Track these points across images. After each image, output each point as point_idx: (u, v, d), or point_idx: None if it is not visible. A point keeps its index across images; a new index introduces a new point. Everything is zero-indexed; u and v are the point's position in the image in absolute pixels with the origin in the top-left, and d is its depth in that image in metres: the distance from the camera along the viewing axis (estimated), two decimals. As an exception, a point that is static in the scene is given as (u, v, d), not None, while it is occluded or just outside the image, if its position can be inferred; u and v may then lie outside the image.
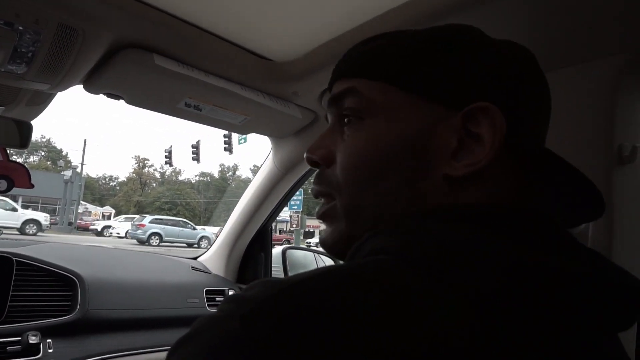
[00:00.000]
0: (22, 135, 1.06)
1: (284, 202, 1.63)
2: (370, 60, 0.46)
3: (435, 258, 0.33)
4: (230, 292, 1.61)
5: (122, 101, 1.10)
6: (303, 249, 2.09)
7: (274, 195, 1.58)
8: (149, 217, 21.30)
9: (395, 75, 0.43)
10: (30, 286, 1.22)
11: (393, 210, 0.42)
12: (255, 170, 52.93)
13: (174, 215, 41.41)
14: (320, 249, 2.29)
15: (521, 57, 0.44)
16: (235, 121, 1.23)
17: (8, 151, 1.19)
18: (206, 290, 1.56)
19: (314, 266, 2.04)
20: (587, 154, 0.76)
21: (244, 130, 1.31)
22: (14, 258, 1.19)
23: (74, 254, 1.42)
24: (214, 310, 1.30)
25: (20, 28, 0.78)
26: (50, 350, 1.14)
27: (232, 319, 0.30)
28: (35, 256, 1.25)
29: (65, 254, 1.39)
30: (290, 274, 1.81)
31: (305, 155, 0.50)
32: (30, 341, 1.10)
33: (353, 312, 0.29)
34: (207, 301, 1.54)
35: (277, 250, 1.81)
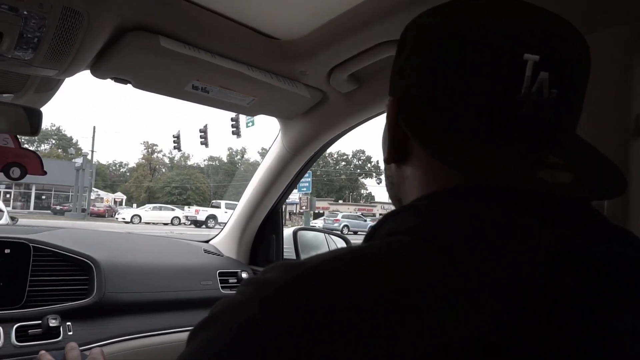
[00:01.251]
0: (32, 123, 1.06)
1: (293, 183, 1.63)
2: None
3: (458, 238, 0.32)
4: (244, 275, 1.63)
5: (129, 86, 1.10)
6: (314, 229, 2.10)
7: (284, 177, 1.58)
8: (340, 214, 23.80)
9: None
10: (47, 271, 1.24)
11: (390, 194, 0.51)
12: (263, 153, 53.00)
13: (184, 199, 41.83)
14: (331, 230, 2.30)
15: (423, 39, 0.42)
16: (243, 103, 1.22)
17: (20, 139, 1.19)
18: (219, 273, 1.58)
19: (324, 247, 2.05)
20: (603, 127, 0.74)
21: (252, 111, 1.30)
22: (30, 244, 1.21)
23: (88, 239, 1.44)
24: (227, 292, 1.31)
25: (25, 13, 0.78)
26: (70, 333, 1.16)
27: (251, 302, 0.30)
28: (51, 242, 1.27)
29: (80, 239, 1.41)
30: (302, 255, 1.83)
31: None
32: (51, 324, 1.12)
33: (372, 297, 0.29)
34: (220, 283, 1.56)
35: (288, 232, 1.82)
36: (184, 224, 25.08)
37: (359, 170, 54.00)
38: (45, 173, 1.19)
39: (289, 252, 1.79)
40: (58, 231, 1.40)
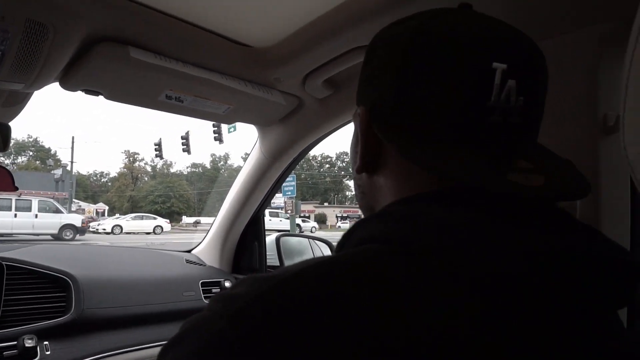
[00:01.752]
0: (1, 138, 1.03)
1: (274, 189, 1.62)
2: None
3: (427, 241, 0.33)
4: (227, 284, 1.61)
5: (102, 97, 1.08)
6: (297, 235, 2.09)
7: (264, 183, 1.57)
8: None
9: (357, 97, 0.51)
10: (22, 290, 1.20)
11: (360, 203, 0.51)
12: (246, 158, 52.99)
13: (168, 207, 41.34)
14: (315, 235, 2.29)
15: (394, 49, 0.42)
16: (219, 111, 1.21)
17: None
18: (202, 283, 1.56)
19: (309, 252, 2.04)
20: (572, 126, 0.76)
21: (228, 120, 1.29)
22: (3, 263, 1.18)
23: (65, 254, 1.41)
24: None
25: (-14, 26, 0.76)
26: (48, 353, 1.13)
27: (220, 318, 0.30)
28: (25, 259, 1.24)
29: (56, 254, 1.38)
30: (286, 261, 1.82)
31: None
32: (27, 345, 1.09)
33: (343, 308, 0.28)
34: (203, 293, 1.54)
35: (270, 238, 1.81)
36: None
37: (343, 172, 54.23)
38: (16, 189, 1.15)
39: (272, 258, 1.78)
40: (33, 247, 1.37)
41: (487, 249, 0.31)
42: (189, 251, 1.83)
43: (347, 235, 0.40)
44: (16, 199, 15.37)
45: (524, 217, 0.35)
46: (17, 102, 1.08)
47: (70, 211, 26.32)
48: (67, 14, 0.79)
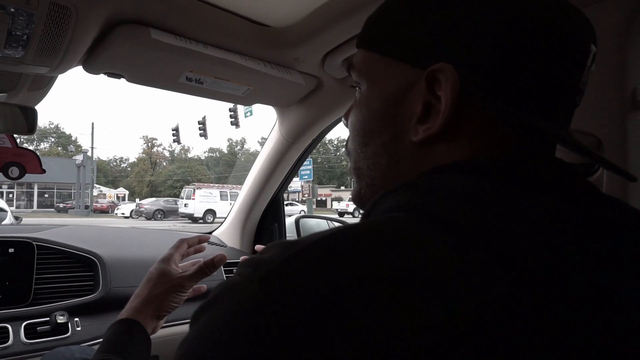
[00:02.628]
0: (28, 121, 1.06)
1: (293, 171, 1.63)
2: (363, 30, 0.47)
3: (459, 213, 0.32)
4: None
5: (124, 81, 1.10)
6: (316, 216, 2.10)
7: (283, 165, 1.57)
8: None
9: (374, 41, 0.45)
10: (52, 269, 1.25)
11: (378, 174, 0.45)
12: (263, 142, 52.98)
13: (186, 192, 41.93)
14: (333, 216, 2.31)
15: (501, 10, 0.38)
16: (238, 92, 1.22)
17: (18, 139, 1.19)
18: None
19: (327, 233, 2.06)
20: (600, 100, 0.74)
21: (247, 101, 1.29)
22: (34, 243, 1.22)
23: (91, 236, 1.45)
24: (232, 280, 1.30)
25: (12, 10, 0.77)
26: (79, 329, 1.18)
27: (250, 282, 0.30)
28: (54, 239, 1.28)
29: (83, 235, 1.41)
30: (306, 242, 1.84)
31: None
32: (59, 320, 1.13)
33: (371, 273, 0.28)
34: (225, 273, 1.57)
35: (290, 220, 1.82)
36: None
37: (360, 156, 54.00)
38: (44, 171, 1.19)
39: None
40: (61, 229, 1.41)
41: (506, 221, 0.31)
42: (210, 233, 1.86)
43: (373, 205, 0.39)
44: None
45: (550, 189, 0.34)
46: (41, 86, 1.10)
47: (91, 196, 26.93)
48: None
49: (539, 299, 0.28)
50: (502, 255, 0.30)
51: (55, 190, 32.03)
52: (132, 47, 0.94)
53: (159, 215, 23.44)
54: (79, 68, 1.04)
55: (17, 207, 28.63)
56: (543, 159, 0.40)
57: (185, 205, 21.76)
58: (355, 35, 1.01)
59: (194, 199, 21.08)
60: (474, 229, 0.31)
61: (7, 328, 1.09)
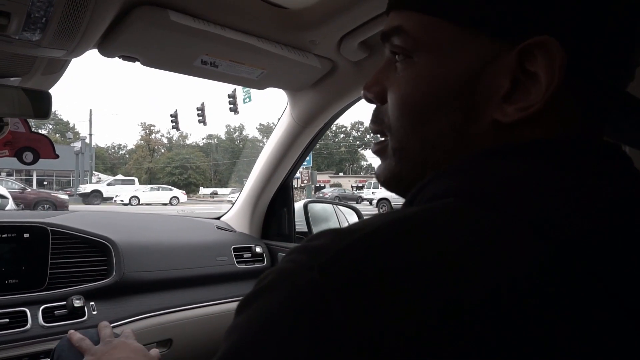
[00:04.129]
0: (43, 106, 1.05)
1: (303, 156, 1.63)
2: None
3: (504, 196, 0.33)
4: (257, 249, 1.64)
5: (126, 66, 1.09)
6: (323, 201, 2.11)
7: (294, 149, 1.57)
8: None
9: (441, 5, 0.39)
10: (67, 253, 1.25)
11: (438, 156, 0.40)
12: (261, 129, 52.81)
13: (185, 179, 41.93)
14: (339, 201, 2.31)
15: None
16: (252, 76, 1.21)
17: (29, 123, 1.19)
18: (234, 248, 1.60)
19: (334, 218, 2.07)
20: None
21: (260, 84, 1.29)
22: (48, 228, 1.22)
23: (103, 221, 1.46)
24: (243, 266, 1.33)
25: (32, -10, 0.76)
26: (94, 312, 1.19)
27: (309, 269, 0.30)
28: (67, 224, 1.28)
29: (95, 221, 1.42)
30: (313, 227, 1.84)
31: (362, 91, 0.48)
32: (75, 304, 1.15)
33: (429, 260, 0.29)
34: (235, 258, 1.58)
35: (298, 205, 1.83)
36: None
37: (358, 142, 53.83)
38: (57, 156, 1.19)
39: (300, 225, 1.80)
40: (73, 214, 1.42)
41: (548, 201, 0.31)
42: (218, 218, 1.87)
43: (419, 191, 0.39)
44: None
45: (595, 171, 0.34)
46: (55, 69, 1.09)
47: (90, 183, 26.87)
48: None
49: (575, 272, 0.29)
50: (540, 232, 0.30)
51: (54, 178, 31.94)
52: (150, 30, 0.93)
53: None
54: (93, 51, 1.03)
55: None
56: (599, 140, 0.39)
57: (372, 192, 22.76)
58: (373, 17, 1.00)
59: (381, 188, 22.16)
60: (514, 208, 0.32)
61: (25, 312, 1.10)
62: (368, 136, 53.89)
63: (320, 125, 1.50)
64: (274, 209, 1.77)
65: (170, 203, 24.94)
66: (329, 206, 2.16)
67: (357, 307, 0.27)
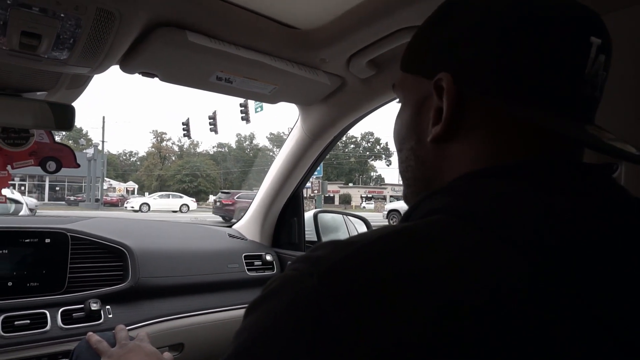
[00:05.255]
0: (66, 118, 1.11)
1: (313, 167, 1.67)
2: (402, 55, 0.53)
3: (488, 213, 0.36)
4: (268, 257, 1.68)
5: (137, 77, 1.14)
6: (332, 211, 2.14)
7: (304, 161, 1.62)
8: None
9: (405, 63, 0.52)
10: (85, 258, 1.31)
11: (410, 175, 0.51)
12: (272, 138, 52.90)
13: (195, 187, 42.15)
14: (349, 212, 2.34)
15: (486, 16, 0.42)
16: (265, 91, 1.26)
17: (53, 134, 1.25)
18: (245, 256, 1.64)
19: (343, 228, 2.10)
20: (630, 102, 0.76)
21: (273, 99, 1.34)
22: (68, 234, 1.28)
23: (120, 227, 1.51)
24: (253, 274, 1.37)
25: (62, 15, 0.81)
26: (110, 316, 1.24)
27: (309, 276, 0.34)
28: (86, 231, 1.33)
29: (112, 227, 1.47)
30: (323, 236, 1.88)
31: None
32: (92, 308, 1.20)
33: (419, 269, 0.32)
34: (246, 266, 1.62)
35: (308, 215, 1.87)
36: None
37: (368, 153, 53.64)
38: (78, 166, 1.24)
39: (310, 234, 1.84)
40: (91, 220, 1.47)
41: (529, 219, 0.34)
42: (230, 226, 1.91)
43: (414, 207, 0.43)
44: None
45: (577, 192, 0.37)
46: (79, 84, 1.15)
47: (102, 189, 27.08)
48: (132, 1, 0.84)
49: (555, 283, 0.32)
50: (521, 248, 0.33)
51: (66, 183, 32.34)
52: (169, 49, 0.99)
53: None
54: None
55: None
56: (565, 159, 0.42)
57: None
58: (380, 37, 1.05)
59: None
60: (497, 225, 0.35)
61: (45, 314, 1.15)
62: (378, 147, 53.80)
63: (330, 139, 1.54)
64: (285, 218, 1.81)
65: (180, 210, 25.07)
66: (338, 216, 2.20)
67: (350, 313, 0.31)
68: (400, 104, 0.54)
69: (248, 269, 1.61)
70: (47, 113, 1.10)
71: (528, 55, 0.40)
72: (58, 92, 1.15)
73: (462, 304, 0.30)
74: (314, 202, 19.97)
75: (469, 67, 0.43)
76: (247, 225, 1.85)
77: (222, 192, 21.04)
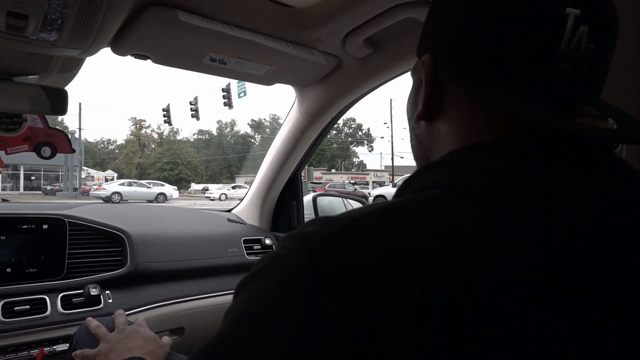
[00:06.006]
0: (59, 102, 1.09)
1: (312, 149, 1.67)
2: None
3: (485, 187, 0.35)
4: (267, 241, 1.69)
5: (119, 57, 1.11)
6: (332, 194, 2.15)
7: (302, 144, 1.61)
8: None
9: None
10: (83, 244, 1.30)
11: (415, 153, 0.53)
12: (253, 124, 52.19)
13: (176, 175, 41.57)
14: (348, 194, 2.34)
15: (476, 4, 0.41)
16: (260, 72, 1.25)
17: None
18: (244, 240, 1.64)
19: (342, 211, 2.11)
20: (627, 87, 0.76)
21: (268, 80, 1.33)
22: (66, 220, 1.26)
23: (117, 213, 1.50)
24: (253, 258, 1.39)
25: (48, -6, 0.79)
26: (110, 301, 1.24)
27: (298, 253, 0.33)
28: (84, 216, 1.32)
29: (109, 213, 1.46)
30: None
31: None
32: (92, 293, 1.19)
33: (410, 250, 0.32)
34: (245, 250, 1.62)
35: (307, 198, 1.87)
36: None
37: (350, 139, 53.44)
38: (74, 151, 1.22)
39: (309, 217, 1.85)
40: (89, 206, 1.46)
41: (525, 193, 0.34)
42: (229, 211, 1.91)
43: (407, 182, 0.43)
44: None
45: (573, 164, 0.37)
46: (71, 68, 1.12)
47: (79, 178, 26.36)
48: None
49: (551, 259, 0.32)
50: (518, 221, 0.33)
51: (42, 173, 31.54)
52: (160, 29, 0.97)
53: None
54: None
55: (2, 190, 28.20)
56: (562, 136, 0.40)
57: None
58: (376, 14, 1.04)
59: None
60: (493, 199, 0.35)
61: (45, 299, 1.15)
62: (360, 133, 53.60)
63: (327, 120, 1.54)
64: (284, 202, 1.81)
65: (156, 200, 23.83)
66: (337, 199, 2.19)
67: (340, 291, 0.30)
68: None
69: (247, 253, 1.62)
70: (42, 97, 1.07)
71: (496, 33, 0.39)
72: (50, 75, 1.12)
73: (456, 283, 0.30)
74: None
75: (443, 49, 0.44)
76: (246, 209, 1.85)
77: (312, 183, 20.37)
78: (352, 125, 53.26)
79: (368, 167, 50.21)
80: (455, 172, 0.38)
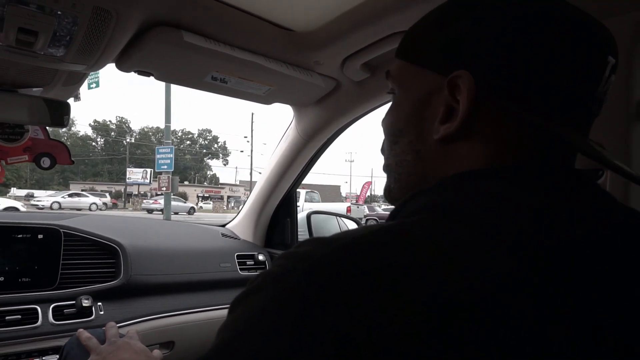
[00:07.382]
0: (61, 115, 1.11)
1: (307, 168, 1.68)
2: (400, 42, 0.52)
3: (476, 212, 0.37)
4: (260, 257, 1.69)
5: (152, 77, 1.15)
6: (326, 213, 2.15)
7: (298, 162, 1.63)
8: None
9: (407, 51, 0.50)
10: (77, 255, 1.31)
11: (404, 170, 0.50)
12: (96, 126, 47.49)
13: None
14: (342, 213, 2.35)
15: (511, 17, 0.41)
16: (260, 92, 1.27)
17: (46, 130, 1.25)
18: (237, 255, 1.65)
19: (336, 229, 2.11)
20: (605, 110, 0.78)
21: (267, 100, 1.35)
22: (61, 230, 1.28)
23: (112, 224, 1.51)
24: (246, 273, 1.38)
25: (59, 13, 0.82)
26: (102, 313, 1.24)
27: (295, 273, 0.34)
28: (79, 227, 1.34)
29: (105, 224, 1.48)
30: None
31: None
32: (84, 304, 1.20)
33: (404, 268, 0.32)
34: (238, 265, 1.63)
35: (302, 215, 1.87)
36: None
37: (204, 150, 51.02)
38: (72, 162, 1.25)
39: (302, 235, 1.85)
40: (84, 217, 1.48)
41: (514, 217, 0.35)
42: (224, 226, 1.92)
43: (401, 206, 0.44)
44: None
45: (562, 193, 0.39)
46: (75, 81, 1.15)
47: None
48: (129, 0, 0.85)
49: (542, 282, 0.33)
50: (506, 244, 0.34)
51: None
52: (165, 48, 1.00)
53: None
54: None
55: None
56: (559, 164, 0.43)
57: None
58: (374, 41, 1.06)
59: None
60: (482, 222, 0.36)
61: (36, 309, 1.16)
62: (216, 145, 51.33)
63: (323, 140, 1.56)
64: (278, 218, 1.82)
65: (90, 209, 23.03)
66: (332, 218, 2.20)
67: (334, 307, 0.31)
68: (394, 94, 0.52)
69: (240, 268, 1.62)
70: (43, 109, 1.10)
71: (550, 65, 0.40)
72: (54, 88, 1.15)
73: (448, 298, 0.30)
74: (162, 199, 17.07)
75: (488, 68, 0.42)
76: (240, 225, 1.85)
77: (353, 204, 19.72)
78: (208, 137, 50.92)
79: (221, 181, 48.78)
80: (449, 198, 0.40)
